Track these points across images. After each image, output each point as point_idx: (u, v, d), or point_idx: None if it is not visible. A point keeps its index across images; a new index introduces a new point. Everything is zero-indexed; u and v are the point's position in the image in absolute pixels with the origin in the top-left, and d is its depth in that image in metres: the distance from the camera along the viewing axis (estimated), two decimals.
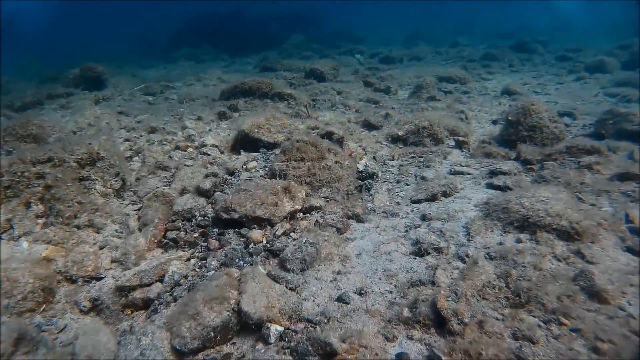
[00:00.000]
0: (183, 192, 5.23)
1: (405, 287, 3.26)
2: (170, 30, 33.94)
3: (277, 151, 5.46)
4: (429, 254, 3.68)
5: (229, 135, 7.31)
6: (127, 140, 7.42)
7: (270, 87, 10.03)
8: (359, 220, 4.41)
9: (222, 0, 34.27)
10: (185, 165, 6.09)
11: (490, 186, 4.96)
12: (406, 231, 4.17)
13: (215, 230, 4.31)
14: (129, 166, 6.11)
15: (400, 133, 6.58)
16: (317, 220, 4.25)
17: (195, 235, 4.26)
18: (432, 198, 4.77)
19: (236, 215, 4.20)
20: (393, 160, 6.05)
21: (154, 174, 5.79)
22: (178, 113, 9.40)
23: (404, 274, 3.43)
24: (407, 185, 5.29)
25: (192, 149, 6.63)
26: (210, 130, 7.88)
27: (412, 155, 6.16)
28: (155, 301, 3.40)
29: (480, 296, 2.98)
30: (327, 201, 4.72)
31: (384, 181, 5.43)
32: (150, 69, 20.50)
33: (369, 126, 7.64)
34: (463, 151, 6.43)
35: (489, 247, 3.69)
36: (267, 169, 5.42)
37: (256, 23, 33.18)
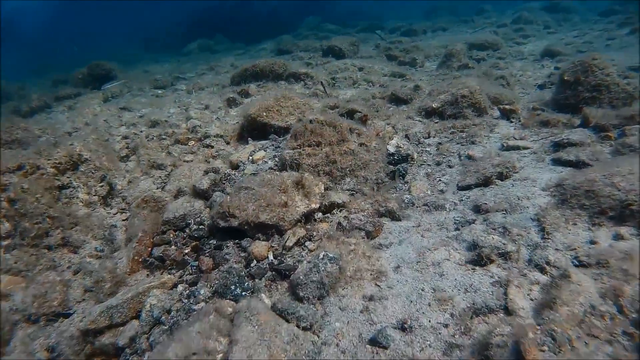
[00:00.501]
0: (178, 194, 4.37)
1: (467, 316, 2.29)
2: (176, 26, 33.09)
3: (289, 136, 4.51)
4: (492, 261, 2.69)
5: (238, 123, 6.41)
6: (125, 137, 6.61)
7: (284, 68, 9.09)
8: (395, 217, 3.43)
9: None
10: (184, 161, 5.23)
11: (558, 162, 3.88)
12: (457, 229, 3.17)
13: (212, 242, 3.42)
14: (123, 167, 5.28)
15: (435, 105, 5.51)
16: (339, 223, 3.28)
17: (186, 252, 3.38)
18: (485, 182, 3.74)
19: (235, 223, 3.29)
20: (429, 137, 5.02)
21: (147, 175, 4.96)
22: (185, 104, 8.56)
23: (461, 296, 2.45)
24: (450, 167, 4.27)
25: (194, 142, 5.76)
26: (217, 118, 7.00)
27: (452, 130, 5.10)
28: (127, 349, 2.54)
29: (585, 333, 1.98)
30: (353, 195, 3.76)
31: (421, 164, 4.42)
32: (163, 63, 19.79)
33: (397, 100, 6.59)
34: (512, 121, 5.33)
35: (575, 249, 2.66)
36: (277, 158, 4.49)
37: (267, 10, 32.09)
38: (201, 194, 4.16)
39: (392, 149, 4.35)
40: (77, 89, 12.19)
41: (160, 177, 4.88)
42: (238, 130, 5.70)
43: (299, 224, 3.34)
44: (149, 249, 3.59)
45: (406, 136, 4.95)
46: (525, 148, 4.29)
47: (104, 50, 23.63)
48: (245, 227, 3.27)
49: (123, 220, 4.31)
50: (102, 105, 9.49)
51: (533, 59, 10.26)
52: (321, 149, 3.95)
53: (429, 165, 4.38)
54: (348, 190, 3.80)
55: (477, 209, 3.37)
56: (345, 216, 3.35)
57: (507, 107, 5.49)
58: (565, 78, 5.35)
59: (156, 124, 6.96)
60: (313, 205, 3.42)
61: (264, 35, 24.65)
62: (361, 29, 21.27)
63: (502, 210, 3.26)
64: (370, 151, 4.06)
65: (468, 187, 3.77)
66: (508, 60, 10.35)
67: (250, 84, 8.81)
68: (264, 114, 5.28)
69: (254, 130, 5.39)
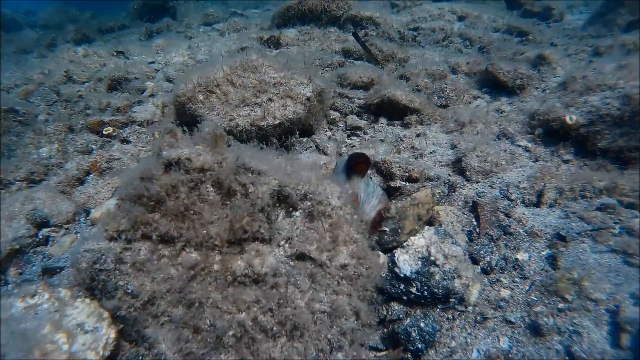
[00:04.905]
0: None
1: None
2: None
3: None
4: None
5: None
6: (52, 103, 4.42)
7: (344, 8, 6.22)
8: None
9: None
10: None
11: None
12: None
13: None
14: None
15: (571, 120, 2.38)
16: None
17: None
18: None
19: None
20: (539, 206, 2.02)
21: None
22: (196, 50, 6.19)
23: None
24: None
25: (111, 129, 3.32)
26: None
27: (605, 198, 2.03)
28: None
29: None
30: None
31: (485, 317, 1.53)
32: None
33: (495, 85, 3.49)
34: None
35: None
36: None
37: None
38: None
39: (407, 267, 1.49)
40: (124, 22, 10.65)
41: None
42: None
43: None
44: None
45: (473, 207, 1.97)
46: None
47: None
48: None
49: None
50: (106, 45, 7.26)
51: None
52: (177, 267, 1.28)
53: (510, 324, 1.49)
54: None
55: None
56: None
57: None
58: None
59: (119, 85, 4.64)
60: None
61: None
62: None
63: None
64: (331, 280, 1.30)
65: None
66: None
67: (289, 29, 6.10)
68: (200, 97, 2.63)
69: (184, 124, 2.81)
